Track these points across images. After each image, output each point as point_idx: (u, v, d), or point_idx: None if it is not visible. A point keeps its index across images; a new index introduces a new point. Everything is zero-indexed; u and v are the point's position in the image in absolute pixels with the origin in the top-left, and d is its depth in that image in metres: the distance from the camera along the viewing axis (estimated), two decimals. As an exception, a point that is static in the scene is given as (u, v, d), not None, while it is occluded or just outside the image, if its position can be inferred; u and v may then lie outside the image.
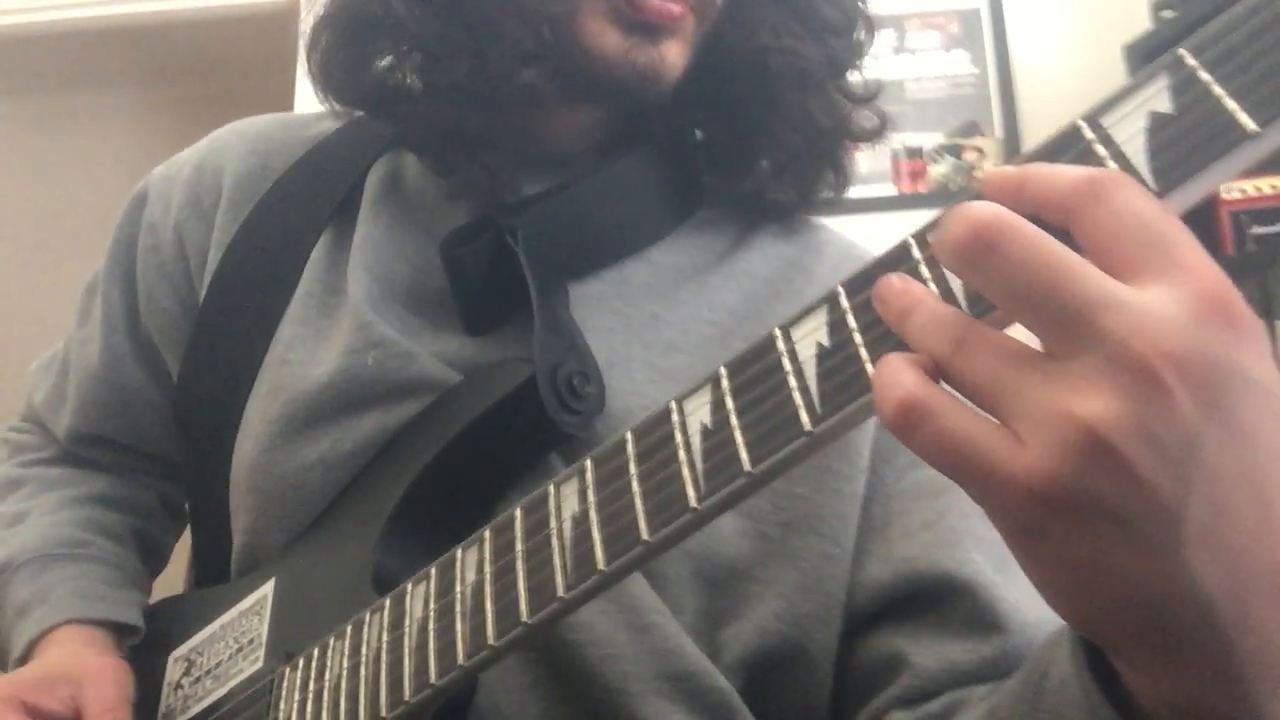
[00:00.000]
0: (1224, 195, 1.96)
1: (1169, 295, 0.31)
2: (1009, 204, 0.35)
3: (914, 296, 0.37)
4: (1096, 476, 0.31)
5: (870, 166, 2.32)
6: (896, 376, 0.35)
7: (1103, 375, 0.31)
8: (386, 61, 0.76)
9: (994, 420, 0.34)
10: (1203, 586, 0.32)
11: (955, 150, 2.32)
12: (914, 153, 2.34)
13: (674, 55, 0.71)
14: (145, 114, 3.37)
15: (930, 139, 2.35)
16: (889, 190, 2.32)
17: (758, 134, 0.76)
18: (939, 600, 0.63)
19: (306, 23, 0.78)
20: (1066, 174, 0.34)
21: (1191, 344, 0.31)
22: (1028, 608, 0.63)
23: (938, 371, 0.35)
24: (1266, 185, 1.95)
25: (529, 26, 0.69)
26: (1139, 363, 0.30)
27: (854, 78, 0.80)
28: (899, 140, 2.35)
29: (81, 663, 0.69)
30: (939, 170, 2.30)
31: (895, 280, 0.37)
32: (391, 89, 0.76)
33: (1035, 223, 0.33)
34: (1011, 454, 0.32)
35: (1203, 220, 1.98)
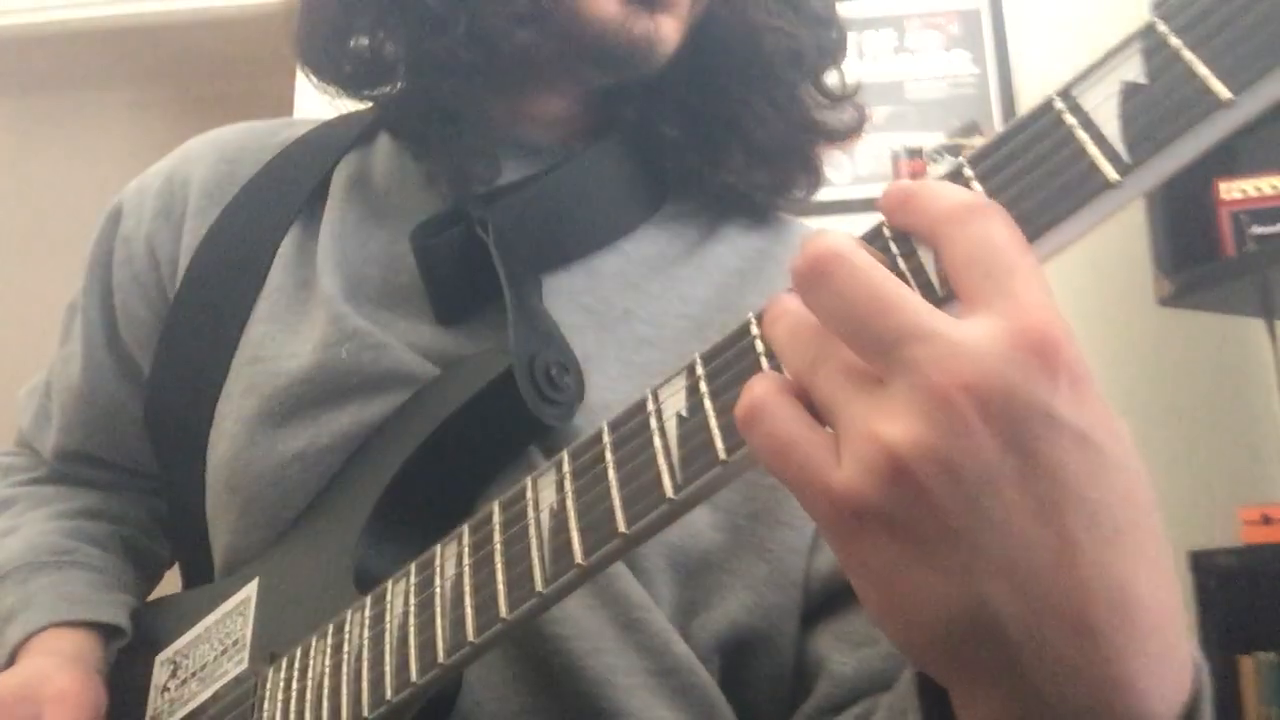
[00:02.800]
0: (1224, 195, 1.95)
1: (987, 327, 0.32)
2: (895, 219, 0.37)
3: (780, 309, 0.38)
4: (893, 497, 0.33)
5: (870, 167, 2.32)
6: (754, 382, 0.37)
7: (907, 402, 0.32)
8: (366, 37, 0.76)
9: (829, 433, 0.35)
10: (994, 612, 0.32)
11: (955, 150, 2.31)
12: (914, 153, 2.33)
13: (668, 30, 0.71)
14: (144, 114, 3.37)
15: (930, 139, 2.35)
16: (889, 190, 2.31)
17: (742, 114, 0.76)
18: None
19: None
20: (942, 198, 0.35)
21: (993, 377, 0.31)
22: None
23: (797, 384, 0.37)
24: (1266, 185, 1.94)
25: None
26: (938, 392, 0.32)
27: (832, 79, 0.81)
28: (899, 140, 2.34)
29: (49, 683, 0.68)
30: (939, 170, 2.29)
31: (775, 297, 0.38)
32: (374, 62, 0.77)
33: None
34: (827, 466, 0.34)
35: (1203, 220, 1.97)
